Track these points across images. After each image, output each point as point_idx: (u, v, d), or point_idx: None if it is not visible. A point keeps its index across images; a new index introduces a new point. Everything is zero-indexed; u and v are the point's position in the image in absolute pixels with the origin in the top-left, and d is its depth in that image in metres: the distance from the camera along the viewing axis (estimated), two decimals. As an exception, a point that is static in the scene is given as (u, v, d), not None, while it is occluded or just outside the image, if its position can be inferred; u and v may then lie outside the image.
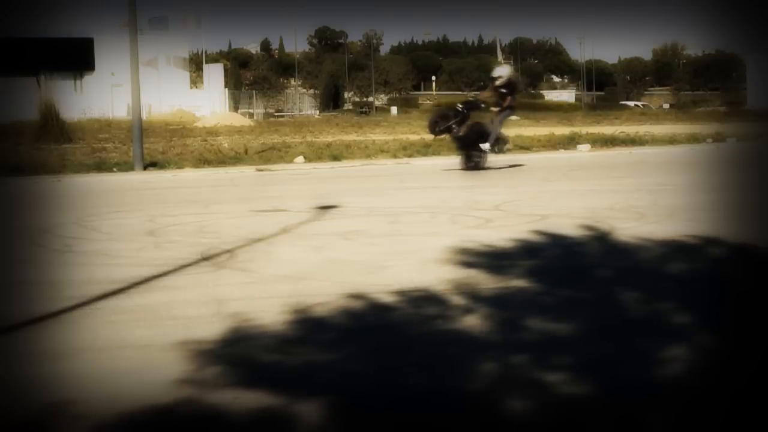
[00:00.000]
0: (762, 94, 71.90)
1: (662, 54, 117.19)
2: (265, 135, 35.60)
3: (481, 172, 16.57)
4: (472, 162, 16.77)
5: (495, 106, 17.16)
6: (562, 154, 22.67)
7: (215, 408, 3.75)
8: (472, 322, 5.07)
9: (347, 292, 5.86)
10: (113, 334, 5.04)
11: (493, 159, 17.11)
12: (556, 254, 7.43)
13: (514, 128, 36.16)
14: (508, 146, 18.04)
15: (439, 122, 17.36)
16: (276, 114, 78.97)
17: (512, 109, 17.42)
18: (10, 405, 3.90)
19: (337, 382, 4.11)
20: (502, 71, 17.86)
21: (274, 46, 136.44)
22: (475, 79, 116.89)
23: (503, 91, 17.06)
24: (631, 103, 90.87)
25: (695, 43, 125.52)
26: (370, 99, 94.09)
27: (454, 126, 16.93)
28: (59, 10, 69.06)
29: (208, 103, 67.59)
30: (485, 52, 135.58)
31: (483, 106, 17.41)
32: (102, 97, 61.55)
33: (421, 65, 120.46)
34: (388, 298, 5.69)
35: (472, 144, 16.84)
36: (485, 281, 6.18)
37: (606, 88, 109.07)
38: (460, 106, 17.32)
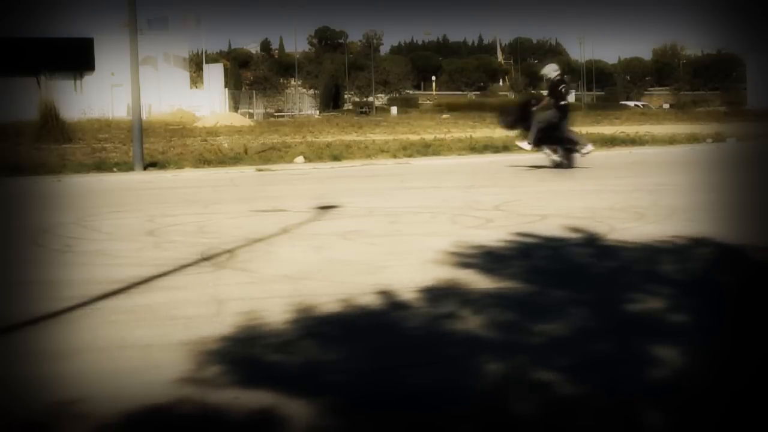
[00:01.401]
0: (762, 94, 71.88)
1: (662, 54, 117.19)
2: (265, 135, 35.59)
3: (484, 171, 16.61)
4: (556, 163, 16.76)
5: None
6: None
7: (215, 408, 3.75)
8: (472, 322, 5.07)
9: (347, 292, 5.87)
10: (113, 334, 5.05)
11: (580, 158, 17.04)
12: (556, 254, 7.43)
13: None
14: (588, 148, 17.24)
15: (509, 117, 17.40)
16: (276, 114, 78.93)
17: (558, 109, 16.81)
18: (10, 405, 3.90)
19: (337, 381, 4.11)
20: (546, 70, 17.55)
21: (274, 46, 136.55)
22: (475, 79, 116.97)
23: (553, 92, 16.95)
24: (631, 103, 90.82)
25: (695, 43, 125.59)
26: (370, 99, 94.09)
27: (518, 122, 16.99)
28: (59, 10, 69.12)
29: (208, 103, 67.54)
30: (485, 52, 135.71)
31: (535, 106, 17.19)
32: (102, 97, 61.49)
33: (421, 65, 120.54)
34: (388, 298, 5.70)
35: (542, 142, 16.83)
36: (485, 281, 6.18)
37: (606, 88, 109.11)
38: (523, 102, 17.36)
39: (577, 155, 16.90)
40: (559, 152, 16.82)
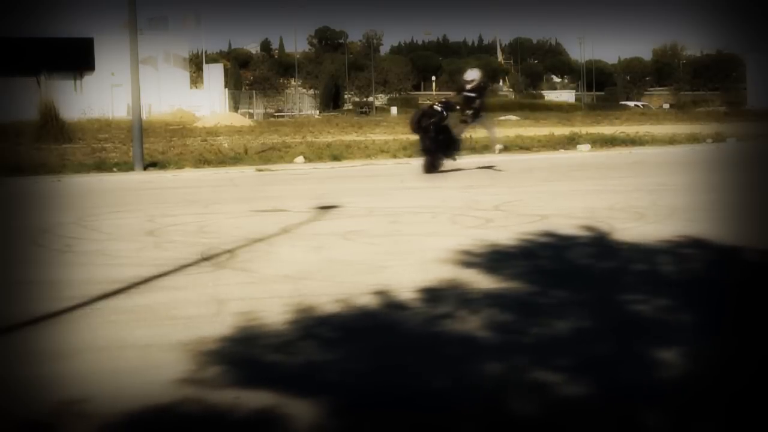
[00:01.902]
0: (762, 94, 71.82)
1: (662, 54, 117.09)
2: (265, 135, 35.58)
3: (482, 171, 16.62)
4: (435, 166, 16.64)
5: (463, 110, 17.25)
6: (562, 154, 22.67)
7: (216, 408, 3.75)
8: (472, 322, 5.07)
9: (347, 292, 5.87)
10: (113, 334, 5.05)
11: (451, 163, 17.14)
12: (556, 255, 7.43)
13: (515, 128, 36.19)
14: (500, 147, 19.18)
15: (423, 120, 17.43)
16: (276, 114, 78.87)
17: (480, 111, 17.41)
18: (10, 405, 3.90)
19: (338, 381, 4.11)
20: (473, 75, 17.84)
21: (274, 46, 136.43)
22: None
23: (471, 95, 17.14)
24: (631, 103, 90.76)
25: (695, 43, 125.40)
26: (370, 99, 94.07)
27: (432, 126, 17.02)
28: (59, 10, 68.96)
29: (208, 103, 67.50)
30: (485, 52, 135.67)
31: (457, 108, 17.44)
32: (102, 97, 61.45)
33: (421, 65, 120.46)
34: (388, 299, 5.70)
35: (437, 149, 16.76)
36: (485, 281, 6.19)
37: (606, 88, 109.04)
38: (439, 106, 17.17)
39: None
40: (443, 155, 16.85)
